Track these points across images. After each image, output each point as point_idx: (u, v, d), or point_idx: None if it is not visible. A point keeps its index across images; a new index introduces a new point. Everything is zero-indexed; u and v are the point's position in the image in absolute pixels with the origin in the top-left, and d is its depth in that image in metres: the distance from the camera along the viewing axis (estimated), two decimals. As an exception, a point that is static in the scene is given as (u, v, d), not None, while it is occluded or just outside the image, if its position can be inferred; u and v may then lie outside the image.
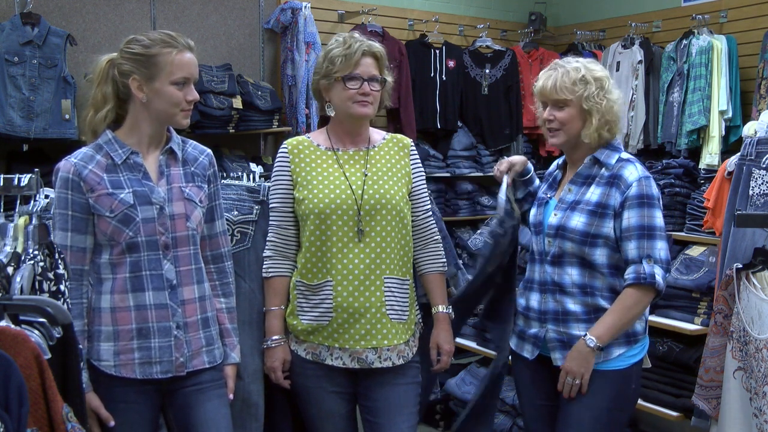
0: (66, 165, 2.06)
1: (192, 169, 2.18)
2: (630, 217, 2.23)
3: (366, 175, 2.34)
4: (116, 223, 2.03)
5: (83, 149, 2.10)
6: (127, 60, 2.05)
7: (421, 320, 2.46)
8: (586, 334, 2.25)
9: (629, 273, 2.24)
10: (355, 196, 2.29)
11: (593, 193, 2.29)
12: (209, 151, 2.26)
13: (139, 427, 2.10)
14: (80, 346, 1.97)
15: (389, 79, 2.37)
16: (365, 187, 2.31)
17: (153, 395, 2.11)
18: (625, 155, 2.34)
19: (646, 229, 2.23)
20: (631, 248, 2.23)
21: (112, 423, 2.03)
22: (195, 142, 2.26)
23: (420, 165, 2.46)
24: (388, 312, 2.30)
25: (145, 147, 2.11)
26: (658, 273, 2.22)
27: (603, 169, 2.31)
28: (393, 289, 2.31)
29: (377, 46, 2.35)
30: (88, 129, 2.13)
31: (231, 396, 2.23)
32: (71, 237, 2.05)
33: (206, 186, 2.19)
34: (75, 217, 2.04)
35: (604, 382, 2.28)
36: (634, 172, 2.26)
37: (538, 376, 2.40)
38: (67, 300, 2.07)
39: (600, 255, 2.27)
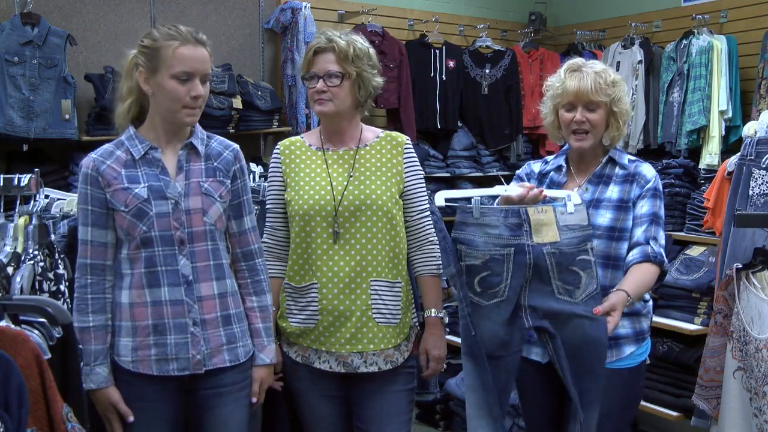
0: (86, 161, 2.08)
1: (215, 164, 2.15)
2: (644, 206, 2.32)
3: (351, 175, 2.31)
4: (130, 218, 2.03)
5: (106, 145, 2.12)
6: (139, 53, 2.07)
7: (417, 324, 2.41)
8: (621, 288, 2.18)
9: (635, 253, 2.28)
10: (336, 197, 2.26)
11: (612, 191, 2.33)
12: (236, 146, 2.22)
13: (157, 426, 2.08)
14: (80, 346, 1.97)
15: (354, 71, 2.27)
16: (350, 187, 2.27)
17: (173, 394, 2.09)
18: (631, 156, 2.42)
19: (655, 216, 2.31)
20: (640, 231, 2.30)
21: (131, 418, 2.03)
22: (221, 138, 2.22)
23: (415, 164, 2.39)
24: (374, 315, 2.25)
25: (163, 142, 2.11)
26: (663, 254, 2.29)
27: (617, 168, 2.36)
28: (380, 292, 2.26)
29: (340, 39, 2.27)
30: (116, 122, 2.16)
31: (254, 399, 2.18)
32: (91, 232, 2.06)
33: (229, 182, 2.16)
34: (94, 212, 2.06)
35: (616, 380, 2.29)
36: (650, 169, 2.37)
37: (546, 378, 2.37)
38: (67, 300, 2.08)
39: (624, 249, 2.31)
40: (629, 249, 2.31)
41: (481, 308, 2.12)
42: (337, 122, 2.33)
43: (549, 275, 2.11)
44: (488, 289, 2.11)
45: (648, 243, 2.28)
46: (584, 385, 2.15)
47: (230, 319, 2.14)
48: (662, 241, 2.32)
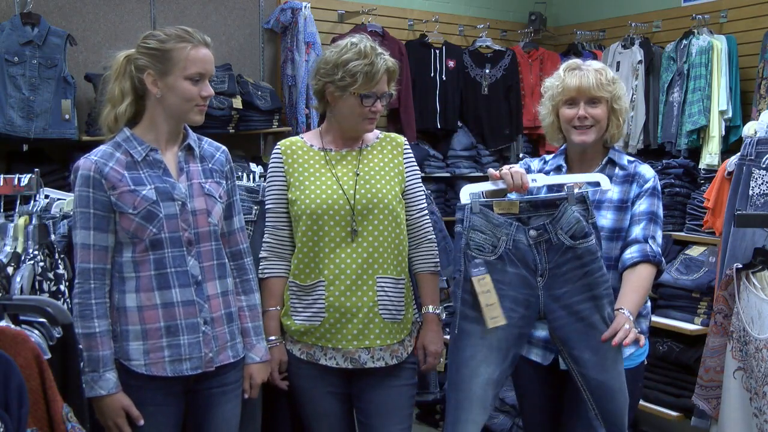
0: (86, 163, 2.04)
1: (210, 165, 2.18)
2: (642, 204, 2.32)
3: (357, 175, 2.33)
4: (139, 220, 2.02)
5: (102, 147, 2.09)
6: (142, 55, 2.05)
7: (419, 320, 2.45)
8: (621, 308, 2.19)
9: (634, 251, 2.26)
10: (347, 197, 2.28)
11: (613, 192, 2.33)
12: (225, 147, 2.26)
13: (166, 428, 2.09)
14: (80, 346, 1.97)
15: (394, 92, 2.36)
16: (357, 187, 2.30)
17: (180, 397, 2.11)
18: (629, 156, 2.43)
19: (653, 215, 2.31)
20: (638, 229, 2.29)
21: (142, 422, 2.03)
22: (210, 139, 2.26)
23: (414, 164, 2.44)
24: (380, 312, 2.28)
25: (163, 143, 2.11)
26: (661, 254, 2.29)
27: (617, 168, 2.37)
28: (386, 289, 2.30)
29: (392, 61, 2.33)
30: (104, 125, 2.12)
31: (246, 396, 2.23)
32: (93, 235, 2.03)
33: (224, 182, 2.19)
34: (97, 215, 2.03)
35: None
36: (649, 170, 2.38)
37: (544, 379, 2.38)
38: (67, 300, 2.07)
39: (621, 248, 2.31)
40: (625, 246, 2.30)
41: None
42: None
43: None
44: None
45: (647, 241, 2.27)
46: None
47: (232, 317, 2.18)
48: (660, 241, 2.32)
